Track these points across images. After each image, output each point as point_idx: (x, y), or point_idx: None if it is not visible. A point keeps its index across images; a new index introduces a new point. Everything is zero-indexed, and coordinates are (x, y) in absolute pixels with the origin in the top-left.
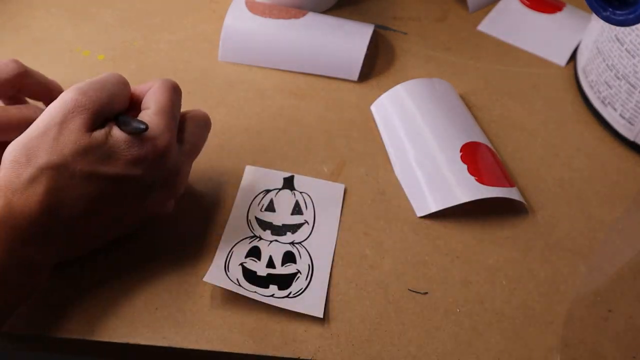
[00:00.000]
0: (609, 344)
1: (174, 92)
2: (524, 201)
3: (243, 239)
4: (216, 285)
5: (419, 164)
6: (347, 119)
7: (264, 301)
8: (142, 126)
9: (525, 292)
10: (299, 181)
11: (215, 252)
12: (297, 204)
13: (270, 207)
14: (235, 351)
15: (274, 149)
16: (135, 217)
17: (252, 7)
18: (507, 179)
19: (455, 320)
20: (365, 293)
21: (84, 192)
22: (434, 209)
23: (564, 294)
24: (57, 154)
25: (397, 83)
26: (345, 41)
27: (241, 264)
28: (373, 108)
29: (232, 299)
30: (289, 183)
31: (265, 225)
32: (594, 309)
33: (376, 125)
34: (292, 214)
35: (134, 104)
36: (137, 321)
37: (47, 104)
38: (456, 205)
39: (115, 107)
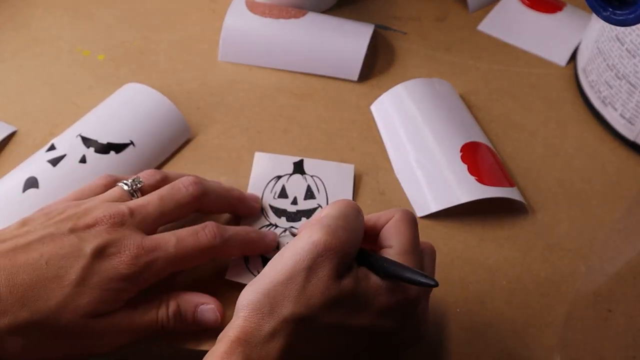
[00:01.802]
0: (609, 344)
1: (416, 228)
2: (524, 201)
3: (260, 229)
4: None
5: (419, 164)
6: (347, 119)
7: None
8: (432, 282)
9: (525, 292)
10: (308, 165)
11: None
12: (309, 189)
13: (283, 194)
14: None
15: (274, 149)
16: None
17: (252, 7)
18: (507, 179)
19: (455, 320)
20: None
21: (325, 347)
22: (434, 209)
23: (564, 294)
24: (304, 305)
25: (397, 83)
26: (345, 41)
27: (260, 255)
28: (373, 108)
29: (233, 299)
30: (299, 167)
31: (279, 212)
32: (594, 309)
33: (376, 125)
34: (305, 198)
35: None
36: None
37: (228, 211)
38: (456, 205)
39: (358, 245)
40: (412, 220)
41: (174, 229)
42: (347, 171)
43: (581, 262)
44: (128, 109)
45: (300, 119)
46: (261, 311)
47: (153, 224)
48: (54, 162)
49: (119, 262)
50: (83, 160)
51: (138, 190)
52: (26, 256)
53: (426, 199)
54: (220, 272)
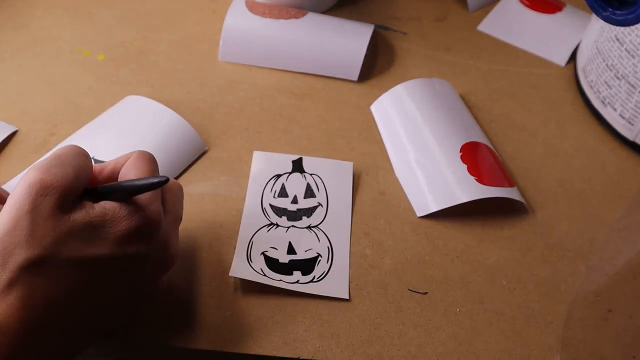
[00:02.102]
0: (609, 344)
1: (154, 164)
2: (524, 201)
3: (261, 228)
4: (242, 279)
5: (419, 164)
6: (347, 119)
7: (290, 288)
8: (161, 179)
9: (525, 292)
10: (307, 163)
11: (230, 246)
12: (308, 187)
13: (283, 193)
14: (235, 351)
15: (274, 149)
16: (129, 302)
17: (252, 7)
18: (507, 179)
19: (455, 320)
20: (365, 293)
21: (71, 284)
22: (434, 209)
23: (564, 294)
24: (37, 247)
25: (397, 83)
26: (345, 41)
27: (263, 253)
28: (373, 108)
29: (232, 298)
30: (298, 165)
31: (280, 211)
32: (594, 309)
33: (376, 125)
34: (305, 197)
35: (105, 180)
36: (137, 320)
37: None
38: (456, 205)
39: (82, 182)
40: (149, 158)
41: None
42: (346, 168)
43: (581, 262)
44: (140, 128)
45: (300, 119)
46: None
47: None
48: None
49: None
50: None
51: None
52: None
53: (426, 198)
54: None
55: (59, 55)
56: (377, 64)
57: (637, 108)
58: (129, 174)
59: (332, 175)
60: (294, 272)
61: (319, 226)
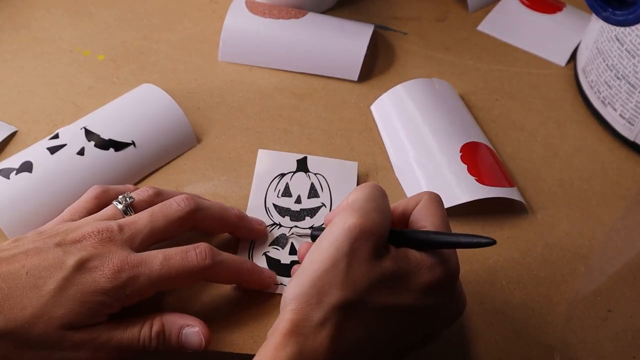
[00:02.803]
0: (608, 344)
1: (444, 209)
2: (524, 201)
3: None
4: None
5: (418, 163)
6: (347, 119)
7: None
8: (489, 240)
9: (525, 292)
10: (312, 162)
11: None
12: (312, 187)
13: (287, 192)
14: (235, 351)
15: (274, 149)
16: (414, 348)
17: (252, 7)
18: (507, 179)
19: None
20: None
21: (374, 329)
22: None
23: (564, 294)
24: (350, 290)
25: (397, 83)
26: (345, 41)
27: (264, 254)
28: (373, 108)
29: (232, 298)
30: (302, 165)
31: (283, 211)
32: (593, 309)
33: (376, 125)
34: (308, 197)
35: (397, 220)
36: None
37: (226, 230)
38: (456, 205)
39: (389, 226)
40: (440, 201)
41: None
42: (350, 169)
43: (581, 262)
44: (138, 109)
45: (300, 119)
46: (309, 302)
47: (143, 240)
48: (53, 150)
49: (101, 275)
50: (81, 152)
51: (130, 207)
52: (8, 267)
53: None
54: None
55: (59, 55)
56: (377, 64)
57: (637, 108)
58: (424, 219)
59: (337, 175)
60: None
61: (322, 227)
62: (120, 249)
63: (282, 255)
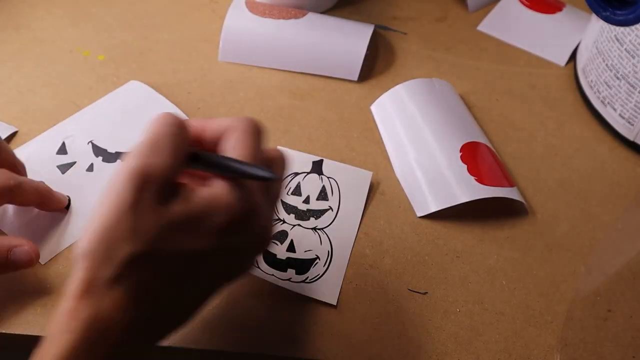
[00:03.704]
0: (608, 343)
1: (260, 138)
2: (524, 201)
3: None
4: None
5: (419, 164)
6: (347, 119)
7: (280, 284)
8: (268, 174)
9: (525, 292)
10: (327, 165)
11: None
12: (323, 189)
13: (297, 191)
14: (236, 351)
15: None
16: (225, 283)
17: (252, 7)
18: (507, 179)
19: (455, 320)
20: (365, 293)
21: (173, 277)
22: (434, 209)
23: (564, 294)
24: (140, 241)
25: (397, 83)
26: (345, 41)
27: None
28: (373, 108)
29: (232, 298)
30: (317, 167)
31: (290, 209)
32: (594, 309)
33: (376, 125)
34: (317, 199)
35: (208, 142)
36: None
37: (38, 203)
38: (456, 205)
39: (180, 165)
40: (255, 131)
41: None
42: (364, 177)
43: (581, 262)
44: (139, 116)
45: (300, 119)
46: (98, 258)
47: None
48: (63, 169)
49: None
50: (90, 169)
51: None
52: None
53: (426, 198)
54: None
55: (60, 56)
56: (377, 64)
57: (637, 108)
58: (234, 149)
59: (349, 181)
60: (288, 270)
61: (325, 229)
62: None
63: (279, 251)
